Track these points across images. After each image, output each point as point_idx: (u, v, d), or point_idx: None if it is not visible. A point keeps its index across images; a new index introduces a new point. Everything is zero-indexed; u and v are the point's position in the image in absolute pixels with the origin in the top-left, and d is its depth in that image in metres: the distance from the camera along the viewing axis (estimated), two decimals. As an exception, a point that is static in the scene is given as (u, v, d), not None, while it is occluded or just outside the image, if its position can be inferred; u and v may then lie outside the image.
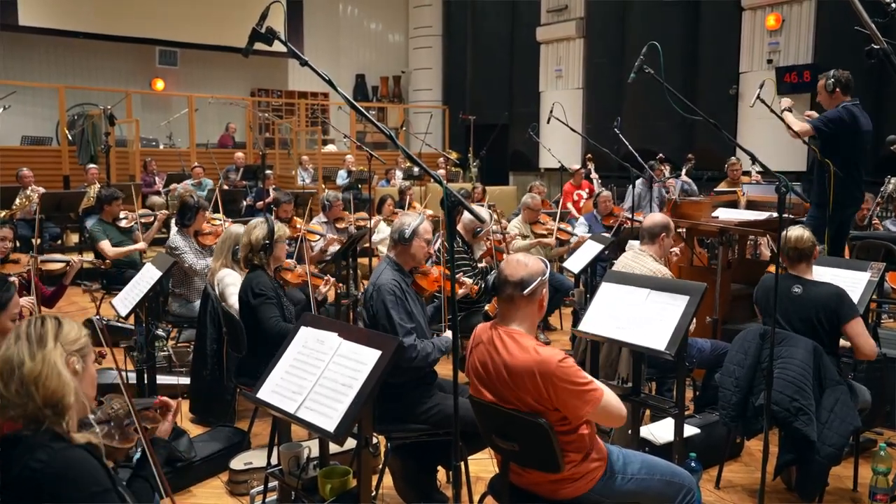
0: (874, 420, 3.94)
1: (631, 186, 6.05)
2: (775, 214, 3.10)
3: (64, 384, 1.68)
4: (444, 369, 3.18)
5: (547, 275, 2.36)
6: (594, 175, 9.96)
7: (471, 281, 4.40)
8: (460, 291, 4.16)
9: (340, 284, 5.01)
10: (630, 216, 5.76)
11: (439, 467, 3.25)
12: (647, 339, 2.85)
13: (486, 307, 4.32)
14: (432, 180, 2.32)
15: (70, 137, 11.53)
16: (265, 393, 2.39)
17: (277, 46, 2.23)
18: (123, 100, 12.04)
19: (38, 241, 4.77)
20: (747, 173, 8.66)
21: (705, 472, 3.43)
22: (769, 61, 10.59)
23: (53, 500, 1.59)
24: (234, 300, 3.96)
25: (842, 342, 3.29)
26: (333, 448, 2.85)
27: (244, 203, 9.73)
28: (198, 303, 4.59)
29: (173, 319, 5.08)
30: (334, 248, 5.93)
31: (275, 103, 16.36)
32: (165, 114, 13.97)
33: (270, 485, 3.07)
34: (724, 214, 5.35)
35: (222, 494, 3.42)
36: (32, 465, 1.60)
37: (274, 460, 2.90)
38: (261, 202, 8.62)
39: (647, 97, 11.04)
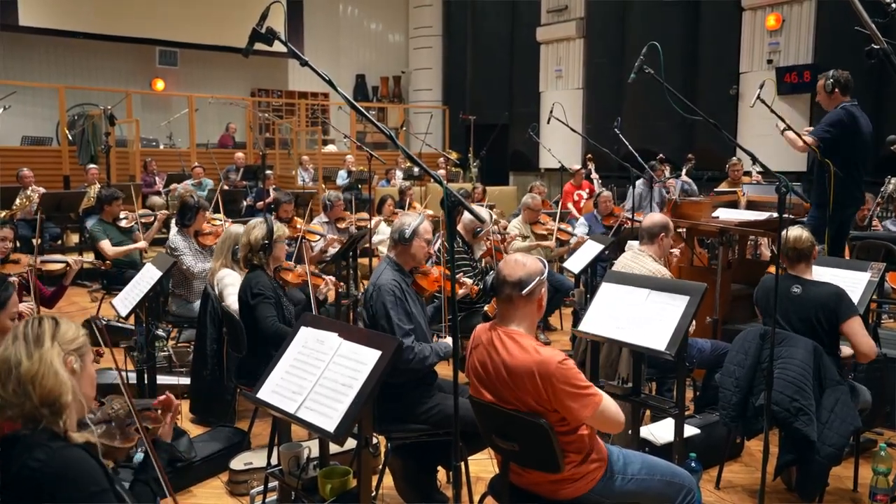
0: (874, 420, 3.94)
1: (631, 187, 6.05)
2: (775, 215, 3.10)
3: (61, 383, 1.68)
4: (444, 369, 3.19)
5: (545, 274, 2.36)
6: (594, 175, 9.96)
7: (471, 281, 4.40)
8: (460, 292, 4.16)
9: (341, 284, 5.01)
10: (630, 216, 5.76)
11: (439, 467, 3.25)
12: (648, 340, 2.85)
13: (486, 308, 4.32)
14: (432, 180, 2.32)
15: (70, 137, 11.53)
16: (265, 393, 2.39)
17: (277, 46, 2.23)
18: (123, 100, 12.04)
19: (39, 241, 4.76)
20: (748, 173, 8.66)
21: (705, 472, 3.43)
22: (769, 61, 10.60)
23: (52, 499, 1.59)
24: (231, 300, 3.96)
25: (846, 351, 3.29)
26: (333, 448, 2.85)
27: (244, 203, 9.73)
28: (197, 303, 4.59)
29: (173, 319, 5.08)
30: (334, 248, 5.93)
31: (275, 103, 16.37)
32: (165, 114, 13.97)
33: (270, 485, 3.08)
34: (725, 215, 5.35)
35: (222, 494, 3.42)
36: (31, 464, 1.61)
37: (274, 460, 2.90)
38: (261, 202, 8.62)
39: (647, 97, 11.04)
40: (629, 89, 10.35)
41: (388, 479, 3.12)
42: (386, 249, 4.20)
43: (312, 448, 2.53)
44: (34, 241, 4.65)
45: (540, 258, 2.43)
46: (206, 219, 5.39)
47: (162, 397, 2.32)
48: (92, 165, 9.86)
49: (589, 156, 10.30)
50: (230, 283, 4.09)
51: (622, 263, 3.92)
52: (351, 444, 2.34)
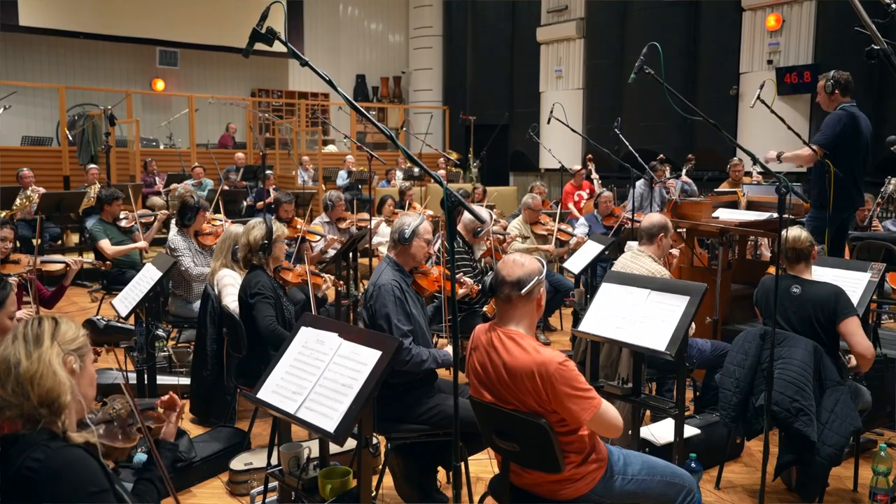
0: (874, 420, 3.94)
1: (631, 187, 6.05)
2: (775, 215, 3.10)
3: (59, 383, 1.68)
4: (444, 370, 3.19)
5: (544, 274, 2.35)
6: (595, 175, 9.96)
7: (471, 281, 4.40)
8: (461, 291, 4.16)
9: (341, 283, 5.01)
10: (631, 216, 5.76)
11: (439, 467, 3.25)
12: (648, 340, 2.85)
13: (485, 308, 4.32)
14: (432, 181, 2.31)
15: (70, 138, 11.53)
16: (265, 393, 2.39)
17: (278, 47, 2.23)
18: (124, 100, 12.05)
19: (39, 241, 4.76)
20: (748, 174, 8.67)
21: (705, 472, 3.43)
22: (769, 62, 10.60)
23: (51, 499, 1.58)
24: (230, 300, 3.96)
25: (853, 361, 3.28)
26: (333, 448, 2.86)
27: (244, 203, 9.73)
28: (197, 303, 4.59)
29: (173, 320, 5.08)
30: (335, 248, 5.93)
31: (275, 103, 16.37)
32: (166, 114, 13.98)
33: (270, 485, 3.08)
34: (725, 215, 5.35)
35: (222, 495, 3.42)
36: (30, 464, 1.60)
37: (274, 460, 2.90)
38: (261, 202, 8.61)
39: (647, 97, 11.05)
40: (629, 89, 10.36)
41: (388, 479, 3.12)
42: (386, 251, 4.20)
43: (312, 448, 2.54)
44: (34, 241, 4.64)
45: (538, 258, 2.43)
46: (206, 219, 5.39)
47: (165, 397, 2.32)
48: (92, 165, 9.86)
49: (589, 156, 10.30)
50: (229, 284, 4.09)
51: (621, 264, 3.92)
52: (351, 444, 2.34)
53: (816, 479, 3.14)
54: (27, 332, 1.72)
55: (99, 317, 5.62)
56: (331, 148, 15.00)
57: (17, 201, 8.30)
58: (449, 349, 3.14)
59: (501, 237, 5.90)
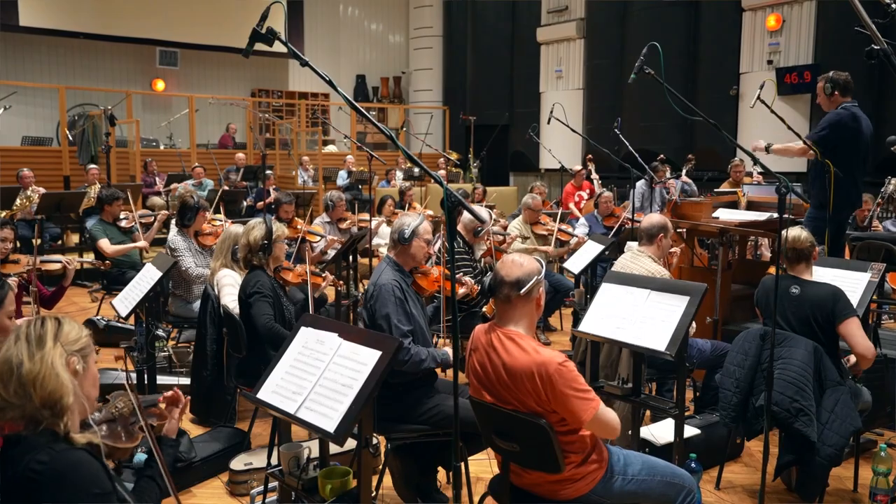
0: (874, 421, 3.94)
1: (631, 188, 6.05)
2: (776, 215, 3.10)
3: (62, 385, 1.67)
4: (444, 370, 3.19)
5: (543, 274, 2.35)
6: (595, 176, 9.96)
7: (471, 281, 4.40)
8: (461, 291, 4.16)
9: (341, 283, 5.01)
10: (631, 217, 5.76)
11: (439, 467, 3.25)
12: (648, 340, 2.85)
13: (485, 308, 4.32)
14: (432, 181, 2.31)
15: (70, 138, 11.53)
16: (265, 393, 2.39)
17: (278, 47, 2.23)
18: (124, 100, 12.05)
19: (39, 241, 4.76)
20: (749, 174, 8.67)
21: (706, 472, 3.43)
22: (769, 62, 10.60)
23: (53, 501, 1.58)
24: (229, 300, 3.96)
25: (851, 360, 3.27)
26: (333, 448, 2.86)
27: (244, 203, 9.73)
28: (197, 303, 4.59)
29: (173, 320, 5.08)
30: (335, 249, 5.93)
31: (275, 104, 16.37)
32: (166, 114, 13.98)
33: (270, 485, 3.08)
34: (725, 215, 5.36)
35: (222, 495, 3.42)
36: (34, 466, 1.60)
37: (274, 461, 2.90)
38: (261, 203, 8.61)
39: (647, 97, 11.05)
40: (629, 89, 10.35)
41: (388, 479, 3.12)
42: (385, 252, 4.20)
43: (312, 448, 2.54)
44: (34, 241, 4.64)
45: (537, 258, 2.43)
46: (206, 219, 5.39)
47: (169, 393, 2.31)
48: (92, 166, 9.87)
49: (589, 156, 10.31)
50: (229, 284, 4.10)
51: (621, 264, 3.92)
52: (351, 444, 2.34)
53: (816, 479, 3.14)
54: (30, 332, 1.71)
55: (99, 317, 5.66)
56: (331, 148, 15.00)
57: (18, 201, 8.30)
58: (448, 349, 3.14)
59: (502, 237, 5.90)
